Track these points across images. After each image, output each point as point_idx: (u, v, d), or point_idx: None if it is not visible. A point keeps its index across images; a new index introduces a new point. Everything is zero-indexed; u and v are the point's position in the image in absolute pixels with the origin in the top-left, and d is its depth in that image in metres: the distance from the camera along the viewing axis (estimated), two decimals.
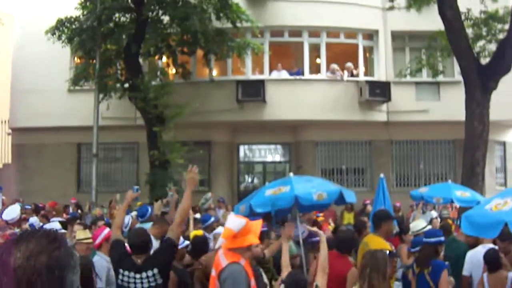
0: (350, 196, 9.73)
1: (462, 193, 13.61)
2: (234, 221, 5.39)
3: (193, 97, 18.68)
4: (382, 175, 11.68)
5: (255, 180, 23.05)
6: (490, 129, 16.19)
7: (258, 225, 5.61)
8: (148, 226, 8.61)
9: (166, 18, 18.05)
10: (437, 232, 8.19)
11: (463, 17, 16.75)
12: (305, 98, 20.12)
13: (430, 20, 18.06)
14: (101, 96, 18.36)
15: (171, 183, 17.79)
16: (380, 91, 19.99)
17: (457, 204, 13.83)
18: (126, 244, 6.40)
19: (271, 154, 23.12)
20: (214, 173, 21.47)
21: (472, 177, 15.68)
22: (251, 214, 8.81)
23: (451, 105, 19.25)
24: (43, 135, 21.83)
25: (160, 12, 17.88)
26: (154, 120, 17.50)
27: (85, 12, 18.48)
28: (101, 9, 17.34)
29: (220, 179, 21.44)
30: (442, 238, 7.87)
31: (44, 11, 20.85)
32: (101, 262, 7.06)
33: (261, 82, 19.78)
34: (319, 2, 20.63)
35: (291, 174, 10.26)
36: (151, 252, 6.25)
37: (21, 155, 22.56)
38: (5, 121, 24.09)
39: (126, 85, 18.49)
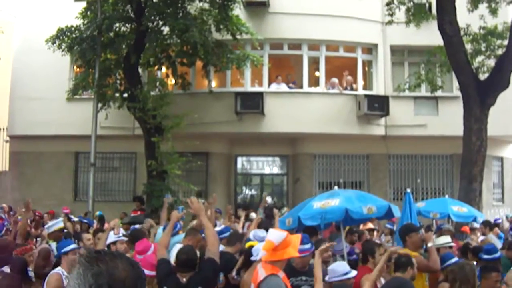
0: (396, 210, 9.80)
1: (459, 208, 13.64)
2: (275, 234, 5.41)
3: (192, 108, 18.69)
4: (408, 190, 11.60)
5: (253, 192, 23.03)
6: (488, 145, 16.26)
7: (297, 238, 5.64)
8: (178, 238, 8.57)
9: (166, 29, 18.03)
10: (495, 248, 8.17)
11: (462, 33, 16.86)
12: (304, 111, 20.15)
13: (430, 35, 18.15)
14: (99, 105, 18.36)
15: (168, 194, 17.80)
16: (378, 105, 19.98)
17: (453, 219, 13.84)
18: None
19: (269, 166, 23.10)
20: (212, 184, 21.44)
21: (469, 192, 15.71)
22: (300, 227, 8.92)
23: (449, 120, 19.30)
24: (41, 143, 21.82)
25: (160, 23, 17.87)
26: (152, 130, 17.50)
27: (85, 22, 18.51)
28: (102, 19, 17.36)
29: (218, 190, 21.33)
30: (499, 253, 7.88)
31: (44, 20, 20.93)
32: None
33: (260, 94, 19.78)
34: (319, 15, 20.69)
35: (336, 187, 10.26)
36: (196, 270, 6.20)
37: (19, 162, 22.54)
38: (3, 129, 24.08)
39: (125, 95, 18.47)
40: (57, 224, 10.26)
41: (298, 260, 6.69)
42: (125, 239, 8.79)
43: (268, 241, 5.38)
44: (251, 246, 7.19)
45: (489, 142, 16.35)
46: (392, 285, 6.03)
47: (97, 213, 16.98)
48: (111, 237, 8.46)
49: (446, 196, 15.78)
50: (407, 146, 21.26)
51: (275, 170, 23.34)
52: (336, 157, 21.81)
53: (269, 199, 21.42)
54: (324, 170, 21.80)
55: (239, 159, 22.73)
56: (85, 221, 14.11)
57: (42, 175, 21.75)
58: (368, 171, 21.80)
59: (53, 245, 9.50)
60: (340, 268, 6.83)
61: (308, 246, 6.92)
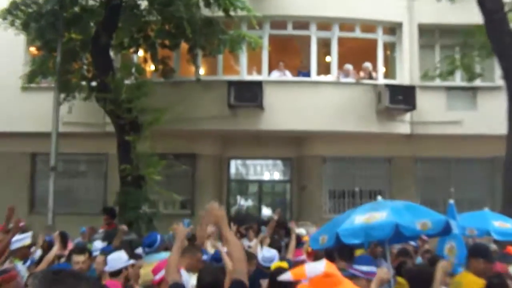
0: (455, 226, 9.64)
1: (502, 224, 13.47)
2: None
3: (176, 101, 18.68)
4: (451, 201, 11.46)
5: (249, 202, 22.95)
6: None
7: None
8: (159, 256, 8.43)
9: (144, 3, 17.97)
10: None
11: (506, 8, 16.69)
12: (311, 104, 20.13)
13: (466, 12, 18.11)
14: (62, 96, 18.32)
15: (146, 205, 17.67)
16: (403, 97, 19.90)
17: (494, 237, 13.72)
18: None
19: (269, 171, 23.09)
20: (199, 193, 21.41)
21: None
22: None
23: (489, 115, 19.26)
24: None
25: None
26: (127, 127, 17.32)
27: None
28: None
29: (206, 200, 21.05)
30: None
31: None
32: None
33: (258, 84, 19.71)
34: None
35: (379, 197, 10.12)
36: None
37: None
38: None
39: (93, 83, 18.35)
40: (25, 239, 10.14)
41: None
42: (135, 261, 8.64)
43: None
44: (279, 268, 7.21)
45: None
46: None
47: (82, 229, 16.96)
48: (121, 261, 8.34)
49: (486, 208, 15.69)
50: (438, 147, 21.15)
51: (277, 176, 23.34)
52: (350, 160, 21.82)
53: (268, 212, 21.35)
54: (336, 176, 21.82)
55: (233, 163, 22.78)
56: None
57: None
58: (390, 178, 21.79)
59: (19, 265, 9.31)
60: None
61: (374, 268, 6.97)
